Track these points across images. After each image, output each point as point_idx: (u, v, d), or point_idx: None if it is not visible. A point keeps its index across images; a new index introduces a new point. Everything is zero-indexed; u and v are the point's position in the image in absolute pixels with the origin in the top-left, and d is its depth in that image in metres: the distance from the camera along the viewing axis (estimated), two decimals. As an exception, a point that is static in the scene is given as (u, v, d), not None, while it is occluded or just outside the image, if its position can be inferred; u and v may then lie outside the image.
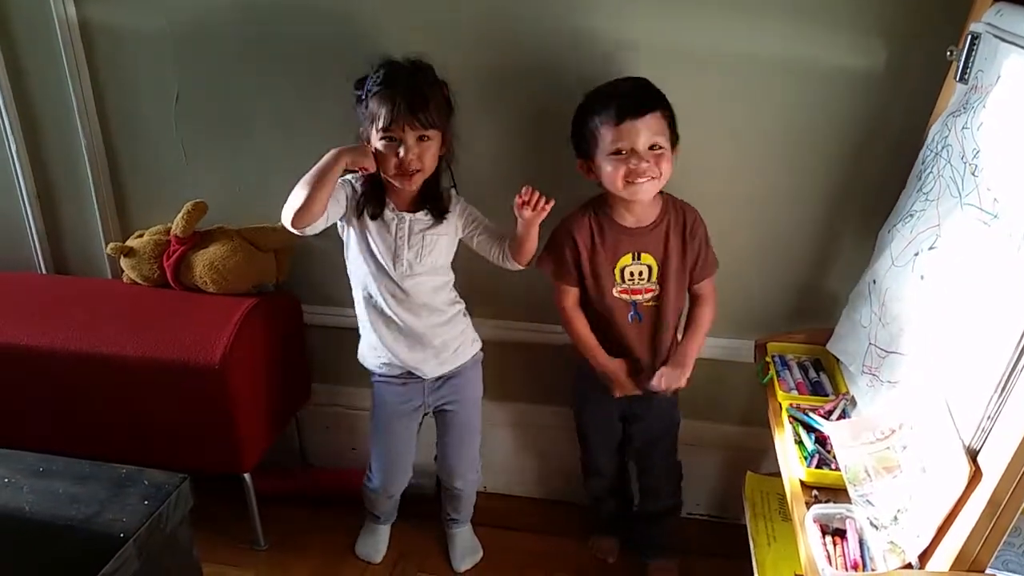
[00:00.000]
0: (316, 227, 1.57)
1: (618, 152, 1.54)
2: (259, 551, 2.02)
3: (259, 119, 1.88)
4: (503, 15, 1.67)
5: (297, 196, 1.52)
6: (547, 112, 1.71)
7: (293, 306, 2.02)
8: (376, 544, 2.02)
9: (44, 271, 2.13)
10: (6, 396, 1.84)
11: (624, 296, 1.68)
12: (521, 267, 1.71)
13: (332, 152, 1.53)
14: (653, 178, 1.55)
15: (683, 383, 1.72)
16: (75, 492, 0.97)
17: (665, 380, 1.71)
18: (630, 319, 1.69)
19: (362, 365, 1.82)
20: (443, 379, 1.79)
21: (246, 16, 1.78)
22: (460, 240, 1.73)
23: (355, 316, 1.99)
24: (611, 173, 1.55)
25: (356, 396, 2.12)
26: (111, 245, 1.94)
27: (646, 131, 1.52)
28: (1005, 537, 1.06)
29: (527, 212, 1.55)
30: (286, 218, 1.54)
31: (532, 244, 1.64)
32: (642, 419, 1.83)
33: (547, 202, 1.55)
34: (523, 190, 1.55)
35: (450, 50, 1.66)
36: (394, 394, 1.80)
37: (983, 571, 1.08)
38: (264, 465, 1.95)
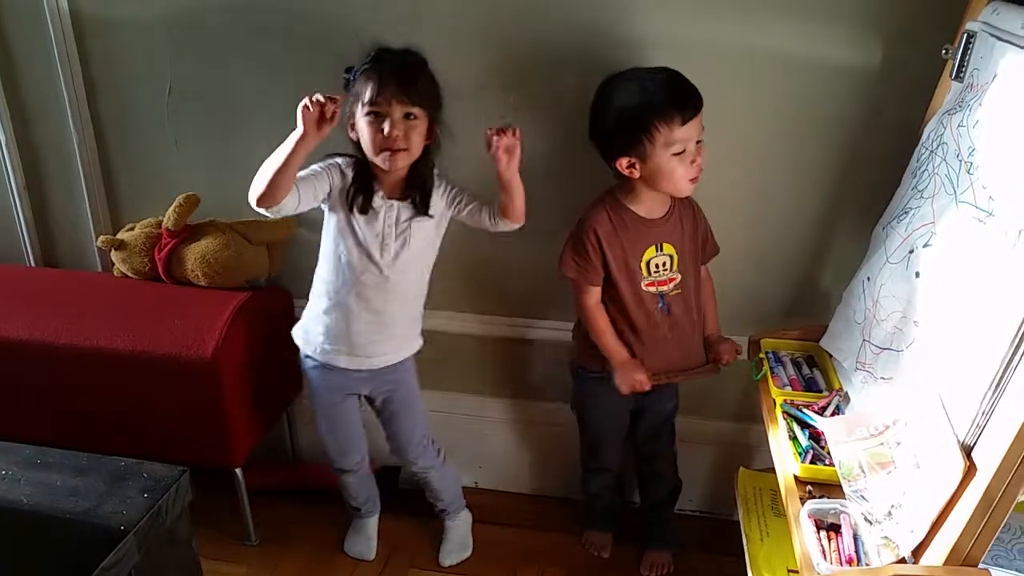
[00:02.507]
0: (284, 209, 1.54)
1: (681, 152, 1.56)
2: (250, 546, 2.02)
3: (252, 112, 1.87)
4: (508, 9, 1.68)
5: (259, 179, 1.49)
6: (545, 108, 1.72)
7: (285, 300, 2.01)
8: (366, 541, 2.01)
9: (33, 264, 2.12)
10: (-5, 390, 1.83)
11: (651, 289, 1.69)
12: (516, 225, 1.65)
13: (292, 135, 1.46)
14: (699, 173, 1.61)
15: (740, 347, 1.77)
16: (74, 484, 0.97)
17: (731, 353, 1.76)
18: (658, 311, 1.70)
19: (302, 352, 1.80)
20: (377, 371, 1.76)
21: (240, 7, 1.77)
22: (450, 219, 1.70)
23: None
24: (677, 174, 1.57)
25: (348, 391, 2.12)
26: (102, 238, 1.93)
27: (699, 127, 1.56)
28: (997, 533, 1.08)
29: (502, 156, 1.51)
30: (251, 198, 1.51)
31: (520, 195, 1.60)
32: (650, 407, 1.85)
33: (515, 133, 1.51)
34: (488, 131, 1.52)
35: (453, 42, 1.66)
36: (329, 381, 1.78)
37: (976, 566, 1.09)
38: (255, 460, 1.94)
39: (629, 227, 1.66)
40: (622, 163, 1.60)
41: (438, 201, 1.66)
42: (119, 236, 1.94)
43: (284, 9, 1.76)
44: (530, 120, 1.70)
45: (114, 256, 1.95)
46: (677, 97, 1.54)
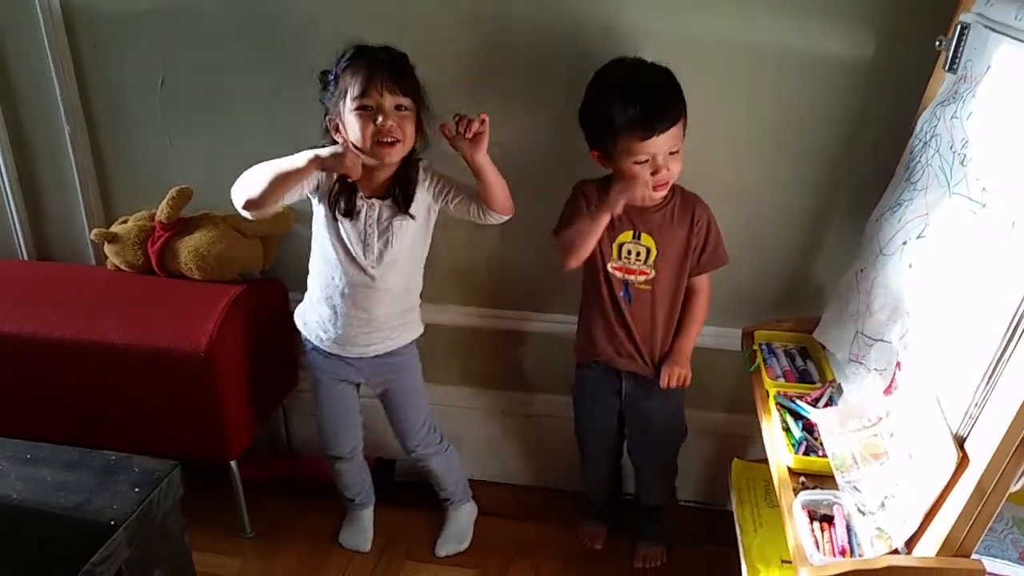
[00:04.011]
0: (267, 213, 1.54)
1: (641, 161, 1.54)
2: (245, 539, 2.01)
3: (245, 105, 1.86)
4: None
5: (252, 184, 1.48)
6: (539, 97, 1.71)
7: (279, 293, 2.01)
8: (361, 532, 2.01)
9: (26, 257, 2.11)
10: (-12, 383, 1.82)
11: (617, 273, 1.68)
12: (504, 216, 1.62)
13: (306, 154, 1.46)
14: (669, 181, 1.59)
15: (688, 380, 1.74)
16: (64, 479, 0.96)
17: (674, 379, 1.73)
18: (620, 297, 1.69)
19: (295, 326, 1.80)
20: (377, 357, 1.76)
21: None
22: (439, 211, 1.67)
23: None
24: (634, 179, 1.55)
25: (343, 384, 2.12)
26: (95, 231, 1.92)
27: (668, 141, 1.54)
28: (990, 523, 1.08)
29: (462, 143, 1.49)
30: (236, 199, 1.50)
31: (495, 182, 1.56)
32: (638, 421, 1.84)
33: (480, 123, 1.48)
34: (450, 121, 1.49)
35: (442, 35, 1.66)
36: (325, 365, 1.78)
37: (969, 556, 1.10)
38: (250, 453, 1.94)
39: None
40: (593, 153, 1.62)
41: (423, 195, 1.63)
42: (112, 229, 1.93)
43: (277, 2, 1.74)
44: (526, 114, 1.70)
45: (107, 249, 1.94)
46: (645, 113, 1.51)
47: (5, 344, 1.76)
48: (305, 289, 2.00)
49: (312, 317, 1.75)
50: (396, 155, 1.54)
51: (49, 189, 2.04)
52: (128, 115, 1.92)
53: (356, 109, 1.49)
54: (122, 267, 1.95)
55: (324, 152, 1.49)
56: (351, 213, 1.60)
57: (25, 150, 2.00)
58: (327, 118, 1.55)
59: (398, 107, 1.51)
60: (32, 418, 1.84)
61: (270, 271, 1.99)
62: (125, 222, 1.94)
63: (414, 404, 1.87)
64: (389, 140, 1.51)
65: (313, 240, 1.69)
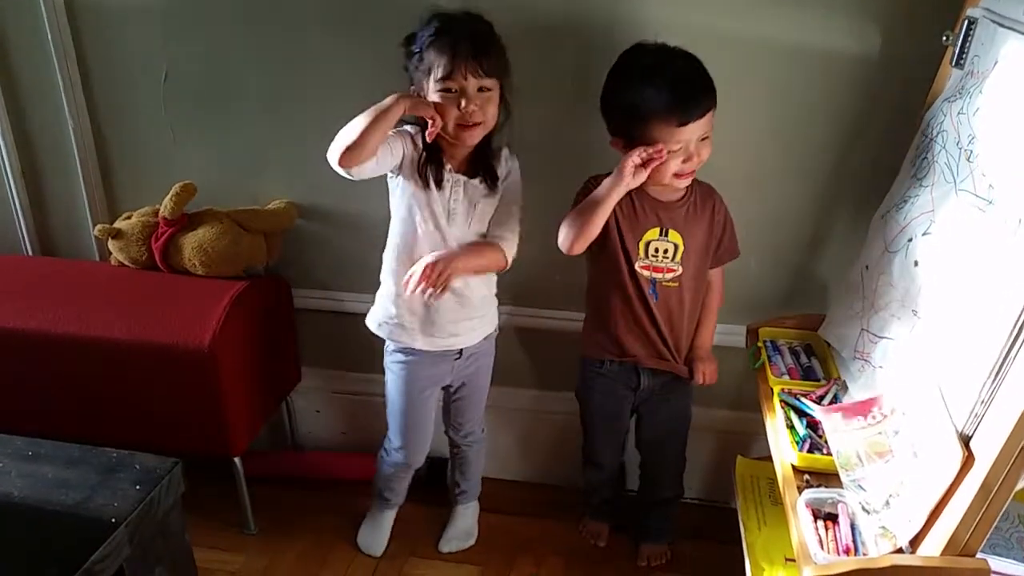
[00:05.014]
0: (364, 171, 1.49)
1: (674, 149, 1.51)
2: (249, 535, 2.01)
3: (249, 99, 1.85)
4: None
5: (349, 132, 1.44)
6: (544, 93, 1.70)
7: (283, 289, 2.00)
8: (381, 535, 1.99)
9: (30, 253, 2.11)
10: (-9, 379, 1.82)
11: (645, 272, 1.65)
12: None
13: (392, 96, 1.45)
14: (696, 169, 1.57)
15: (716, 372, 1.77)
16: (65, 477, 0.96)
17: (708, 376, 1.75)
18: (648, 295, 1.67)
19: (389, 342, 1.75)
20: (471, 352, 1.76)
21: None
22: None
23: (345, 300, 1.98)
24: (666, 168, 1.52)
25: (347, 380, 2.12)
26: (99, 227, 1.92)
27: (702, 127, 1.52)
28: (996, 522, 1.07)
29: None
30: (333, 155, 1.46)
31: (487, 267, 1.65)
32: (655, 415, 1.83)
33: (439, 289, 1.54)
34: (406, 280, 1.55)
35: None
36: (421, 373, 1.75)
37: (974, 555, 1.09)
38: (254, 449, 1.94)
39: (635, 202, 1.61)
40: (618, 143, 1.57)
41: (500, 183, 1.63)
42: (116, 225, 1.92)
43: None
44: (532, 110, 1.69)
45: (111, 245, 1.93)
46: (681, 101, 1.48)
47: (8, 339, 1.76)
48: (310, 285, 2.02)
49: (393, 311, 1.70)
50: (476, 137, 1.54)
51: (53, 184, 2.04)
52: (132, 110, 1.92)
53: (440, 91, 1.48)
54: (126, 263, 1.94)
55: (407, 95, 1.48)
56: (440, 183, 1.58)
57: (29, 144, 2.00)
58: (412, 89, 1.54)
59: (481, 88, 1.49)
60: (35, 414, 1.84)
61: (274, 267, 1.99)
62: (129, 218, 1.94)
63: (481, 400, 1.89)
64: (470, 124, 1.50)
65: (395, 226, 1.65)
